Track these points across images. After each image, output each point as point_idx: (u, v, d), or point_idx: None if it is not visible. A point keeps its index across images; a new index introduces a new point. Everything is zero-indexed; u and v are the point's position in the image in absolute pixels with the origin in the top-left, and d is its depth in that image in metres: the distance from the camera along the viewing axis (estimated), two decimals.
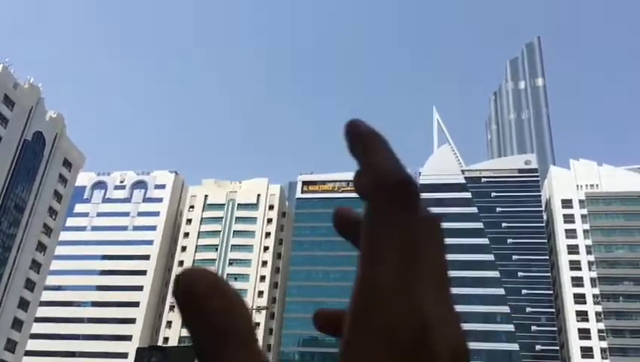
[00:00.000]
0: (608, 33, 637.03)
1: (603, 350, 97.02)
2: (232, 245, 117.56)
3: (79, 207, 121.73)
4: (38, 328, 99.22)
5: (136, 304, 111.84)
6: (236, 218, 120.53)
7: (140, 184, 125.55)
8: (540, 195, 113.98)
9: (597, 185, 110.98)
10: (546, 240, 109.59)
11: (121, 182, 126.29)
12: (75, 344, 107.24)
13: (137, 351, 4.33)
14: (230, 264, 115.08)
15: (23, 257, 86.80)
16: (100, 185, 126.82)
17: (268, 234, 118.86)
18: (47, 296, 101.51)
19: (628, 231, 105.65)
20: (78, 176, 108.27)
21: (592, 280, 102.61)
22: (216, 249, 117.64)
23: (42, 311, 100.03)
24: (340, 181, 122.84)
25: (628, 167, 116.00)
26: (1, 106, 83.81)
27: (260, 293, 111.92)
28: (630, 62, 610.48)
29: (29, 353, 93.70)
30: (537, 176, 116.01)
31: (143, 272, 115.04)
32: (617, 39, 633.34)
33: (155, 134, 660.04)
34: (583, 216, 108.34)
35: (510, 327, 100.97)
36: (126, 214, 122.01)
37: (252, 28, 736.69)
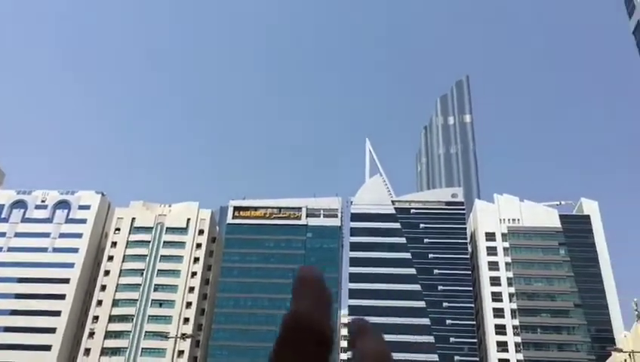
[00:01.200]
0: (534, 74, 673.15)
1: None
2: (158, 270, 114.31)
3: None
4: None
5: (52, 330, 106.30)
6: (164, 242, 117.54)
7: (62, 204, 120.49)
8: (466, 228, 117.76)
9: (518, 220, 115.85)
10: (470, 272, 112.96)
11: (43, 201, 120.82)
12: None
13: None
14: (156, 289, 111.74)
15: None
16: (19, 203, 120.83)
17: (196, 260, 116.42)
18: None
19: (546, 264, 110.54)
20: None
21: (513, 311, 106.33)
22: (142, 273, 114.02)
23: None
24: (272, 208, 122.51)
25: (547, 203, 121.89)
26: None
27: (186, 320, 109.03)
28: (553, 102, 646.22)
29: None
30: (463, 209, 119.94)
31: (62, 296, 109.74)
32: (542, 80, 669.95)
33: (82, 153, 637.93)
34: (505, 249, 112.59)
35: (435, 357, 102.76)
36: (46, 235, 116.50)
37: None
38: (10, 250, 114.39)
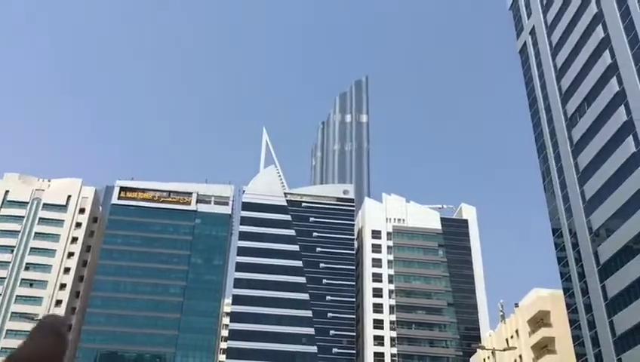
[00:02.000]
0: (429, 78, 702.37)
1: None
2: (31, 248, 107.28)
3: None
4: None
5: None
6: (40, 218, 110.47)
7: None
8: (354, 224, 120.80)
9: (404, 220, 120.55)
10: (354, 267, 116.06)
11: None
12: None
13: None
14: (27, 268, 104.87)
15: None
16: None
17: (75, 239, 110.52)
18: None
19: (425, 264, 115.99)
20: None
21: (391, 307, 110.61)
22: (12, 251, 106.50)
23: None
24: (161, 191, 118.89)
25: (431, 205, 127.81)
26: None
27: (59, 302, 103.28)
28: (445, 108, 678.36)
29: None
30: (353, 206, 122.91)
31: None
32: (436, 86, 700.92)
33: None
34: (389, 247, 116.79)
35: (314, 349, 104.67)
36: None
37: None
38: None
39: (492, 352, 52.29)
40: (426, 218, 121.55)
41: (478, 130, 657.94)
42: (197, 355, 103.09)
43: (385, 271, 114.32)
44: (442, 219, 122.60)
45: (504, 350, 53.54)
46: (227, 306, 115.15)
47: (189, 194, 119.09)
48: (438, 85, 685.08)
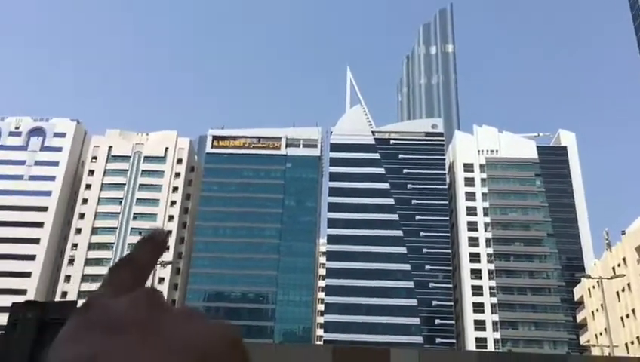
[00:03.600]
0: (518, 4, 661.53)
1: (493, 305, 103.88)
2: (137, 198, 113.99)
3: None
4: None
5: (32, 257, 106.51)
6: (142, 171, 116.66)
7: (37, 131, 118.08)
8: (444, 158, 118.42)
9: (497, 151, 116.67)
10: (447, 202, 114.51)
11: (17, 128, 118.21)
12: None
13: (12, 306, 3.95)
14: (135, 218, 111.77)
15: None
16: None
17: (175, 189, 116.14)
18: None
19: (522, 195, 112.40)
20: None
21: (487, 240, 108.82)
22: (120, 202, 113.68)
23: None
24: (251, 137, 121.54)
25: (526, 134, 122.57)
26: None
27: (166, 248, 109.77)
28: (537, 34, 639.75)
29: None
30: (443, 140, 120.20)
31: (40, 224, 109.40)
32: (526, 11, 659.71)
33: (56, 78, 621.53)
34: (482, 180, 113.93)
35: (410, 284, 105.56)
36: (22, 163, 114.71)
37: None
38: None
39: (598, 281, 50.37)
40: (521, 147, 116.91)
41: (573, 49, 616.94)
42: (297, 293, 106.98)
43: (479, 204, 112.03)
44: (538, 148, 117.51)
45: (611, 278, 51.41)
46: (322, 246, 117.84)
47: (278, 138, 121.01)
48: (526, 5, 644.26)
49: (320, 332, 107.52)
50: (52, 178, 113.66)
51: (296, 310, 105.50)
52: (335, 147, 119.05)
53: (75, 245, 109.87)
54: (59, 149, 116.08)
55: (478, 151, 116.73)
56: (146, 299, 0.32)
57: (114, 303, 0.32)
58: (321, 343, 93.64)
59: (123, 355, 0.27)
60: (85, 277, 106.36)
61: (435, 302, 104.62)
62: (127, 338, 0.28)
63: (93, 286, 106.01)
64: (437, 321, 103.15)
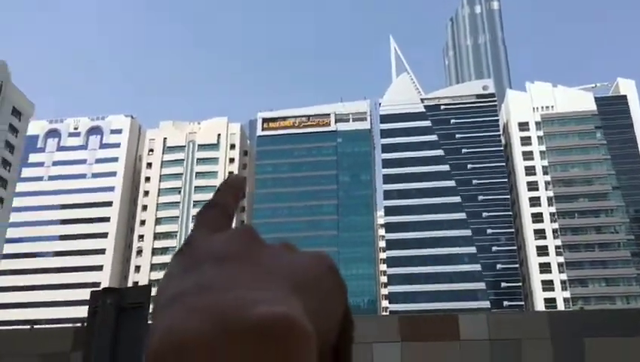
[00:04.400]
0: None
1: (560, 264, 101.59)
2: (195, 186, 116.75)
3: (34, 157, 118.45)
4: (4, 281, 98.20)
5: (102, 251, 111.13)
6: (197, 159, 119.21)
7: (95, 130, 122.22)
8: (498, 120, 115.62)
9: (552, 107, 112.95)
10: (504, 164, 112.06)
11: (75, 128, 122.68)
12: (41, 294, 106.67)
13: (91, 294, 4.17)
14: (194, 206, 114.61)
15: None
16: (53, 133, 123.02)
17: (231, 174, 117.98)
18: (9, 248, 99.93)
19: (582, 149, 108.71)
20: (30, 125, 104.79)
21: (549, 199, 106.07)
22: (180, 191, 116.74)
23: (6, 264, 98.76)
24: (300, 116, 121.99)
25: (582, 86, 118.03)
26: None
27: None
28: None
29: None
30: (495, 101, 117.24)
31: (107, 219, 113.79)
32: None
33: (107, 77, 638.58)
34: (539, 138, 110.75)
35: (472, 249, 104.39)
36: (83, 161, 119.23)
37: None
38: (51, 178, 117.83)
39: None
40: (578, 101, 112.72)
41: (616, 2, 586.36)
42: (359, 267, 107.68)
43: (538, 163, 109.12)
44: (596, 99, 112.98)
45: None
46: (380, 218, 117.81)
47: (327, 115, 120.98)
48: None
49: (385, 303, 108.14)
50: (113, 174, 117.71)
51: (359, 283, 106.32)
52: (385, 118, 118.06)
53: (141, 236, 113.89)
54: (117, 145, 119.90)
55: (533, 108, 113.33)
56: (243, 233, 0.35)
57: (213, 239, 0.34)
58: (387, 314, 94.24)
59: (227, 280, 0.29)
60: (154, 266, 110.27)
61: (499, 266, 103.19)
62: (229, 266, 0.31)
63: (162, 275, 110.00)
64: (503, 284, 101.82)
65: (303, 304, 0.28)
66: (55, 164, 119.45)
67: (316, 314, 0.28)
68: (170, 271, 0.32)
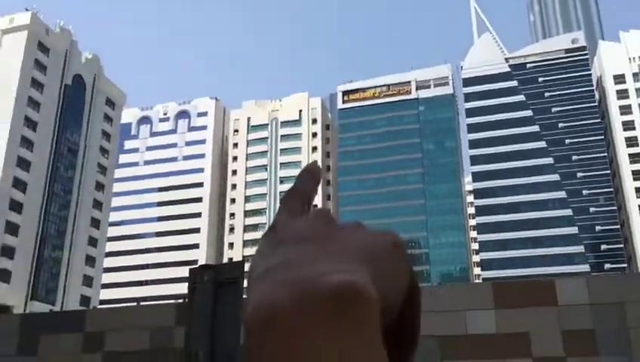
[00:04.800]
0: None
1: None
2: (280, 163, 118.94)
3: (128, 144, 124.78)
4: (109, 262, 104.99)
5: (197, 230, 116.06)
6: (281, 136, 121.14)
7: (182, 114, 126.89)
8: (591, 74, 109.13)
9: None
10: (599, 120, 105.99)
11: (165, 114, 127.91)
12: (144, 273, 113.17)
13: (190, 271, 4.45)
14: (281, 182, 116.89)
15: (84, 197, 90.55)
16: (144, 120, 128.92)
17: (314, 149, 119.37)
18: (112, 231, 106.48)
19: None
20: (123, 114, 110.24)
21: None
22: (266, 169, 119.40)
23: (110, 246, 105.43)
24: (380, 86, 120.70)
25: None
26: (37, 54, 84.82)
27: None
28: None
29: (104, 286, 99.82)
30: (586, 55, 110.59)
31: (199, 199, 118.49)
32: None
33: (190, 61, 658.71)
34: (637, 90, 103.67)
35: (567, 212, 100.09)
36: (174, 145, 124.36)
37: None
38: (146, 163, 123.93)
39: None
40: None
41: None
42: (448, 235, 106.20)
43: (637, 116, 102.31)
44: None
45: None
46: (468, 184, 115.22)
47: (408, 83, 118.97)
48: None
49: (477, 271, 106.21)
50: (202, 155, 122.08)
51: (449, 251, 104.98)
52: (468, 81, 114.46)
53: (232, 214, 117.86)
54: (204, 128, 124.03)
55: (629, 59, 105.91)
56: (321, 216, 0.38)
57: (295, 222, 0.39)
58: (480, 281, 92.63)
59: (305, 257, 0.33)
60: (246, 243, 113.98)
61: (598, 228, 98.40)
62: (307, 245, 0.35)
63: (253, 251, 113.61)
64: (603, 247, 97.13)
65: (369, 274, 0.32)
66: (149, 149, 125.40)
67: (382, 283, 0.33)
68: (259, 250, 0.37)
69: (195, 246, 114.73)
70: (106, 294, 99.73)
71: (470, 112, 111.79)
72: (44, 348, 20.01)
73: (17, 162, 78.28)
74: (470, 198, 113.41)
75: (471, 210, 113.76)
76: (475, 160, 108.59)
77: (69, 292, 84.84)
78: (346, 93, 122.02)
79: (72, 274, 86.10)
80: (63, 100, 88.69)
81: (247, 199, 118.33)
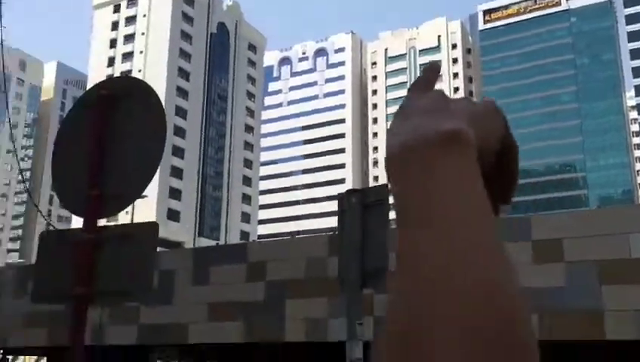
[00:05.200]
0: None
1: None
2: None
3: (272, 86, 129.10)
4: (263, 199, 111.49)
5: (342, 166, 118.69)
6: (420, 65, 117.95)
7: (320, 52, 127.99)
8: None
9: None
10: None
11: (303, 53, 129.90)
12: (296, 209, 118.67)
13: (339, 197, 4.81)
14: None
15: (236, 139, 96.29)
16: (285, 61, 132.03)
17: (456, 75, 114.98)
18: (263, 171, 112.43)
19: None
20: (265, 57, 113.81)
21: None
22: None
23: (263, 185, 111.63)
24: (524, 0, 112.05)
25: None
26: (183, 7, 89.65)
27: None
28: None
29: (261, 222, 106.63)
30: None
31: (342, 135, 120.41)
32: None
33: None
34: None
35: None
36: (314, 84, 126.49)
37: None
38: (289, 103, 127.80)
39: None
40: None
41: None
42: (608, 156, 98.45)
43: None
44: None
45: None
46: (630, 99, 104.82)
47: None
48: None
49: None
50: (342, 92, 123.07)
51: (610, 173, 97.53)
52: None
53: (375, 148, 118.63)
54: (342, 64, 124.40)
55: None
56: (439, 95, 0.48)
57: (422, 99, 0.50)
58: None
59: (430, 121, 0.46)
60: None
61: None
62: (432, 114, 0.47)
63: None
64: None
65: (471, 125, 0.45)
66: (291, 89, 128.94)
67: (481, 131, 0.46)
68: (390, 128, 0.48)
69: (341, 181, 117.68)
70: (262, 230, 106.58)
71: (631, 19, 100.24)
72: (214, 277, 22.07)
73: (175, 111, 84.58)
74: (633, 114, 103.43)
75: (634, 128, 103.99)
76: (637, 72, 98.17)
77: (230, 228, 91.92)
78: (487, 12, 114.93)
79: (232, 211, 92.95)
80: (210, 49, 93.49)
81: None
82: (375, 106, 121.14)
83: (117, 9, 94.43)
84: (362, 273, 5.24)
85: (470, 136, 0.44)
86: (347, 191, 5.85)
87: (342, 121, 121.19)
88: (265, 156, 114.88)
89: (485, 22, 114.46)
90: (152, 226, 3.30)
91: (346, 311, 5.35)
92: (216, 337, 20.10)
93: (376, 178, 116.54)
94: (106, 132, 3.31)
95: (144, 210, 58.91)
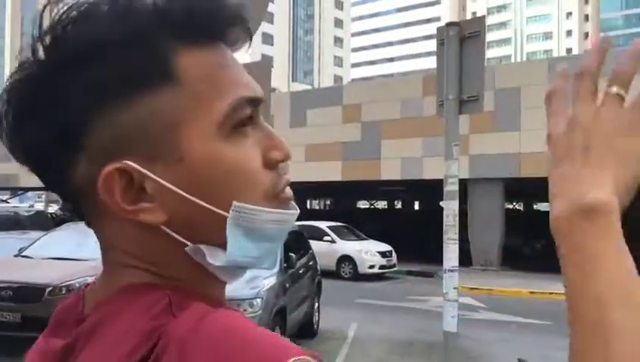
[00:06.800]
0: None
1: None
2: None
3: None
4: (356, 42, 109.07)
5: (437, 2, 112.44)
6: None
7: None
8: None
9: None
10: None
11: None
12: (390, 50, 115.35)
13: (437, 30, 5.02)
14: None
15: None
16: None
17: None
18: (355, 11, 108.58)
19: None
20: None
21: None
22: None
23: (355, 26, 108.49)
24: None
25: None
26: None
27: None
28: None
29: (354, 65, 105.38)
30: None
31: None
32: None
33: None
34: None
35: None
36: None
37: None
38: None
39: None
40: None
41: None
42: None
43: None
44: None
45: None
46: None
47: None
48: None
49: None
50: None
51: None
52: None
53: None
54: None
55: None
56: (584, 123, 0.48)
57: (560, 137, 0.49)
58: None
59: (575, 176, 0.48)
60: (490, 10, 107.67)
61: None
62: (575, 163, 0.48)
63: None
64: None
65: (615, 182, 0.46)
66: None
67: (623, 189, 0.47)
68: (548, 160, 0.50)
69: (437, 19, 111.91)
70: (356, 73, 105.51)
71: None
72: (311, 120, 22.67)
73: None
74: None
75: None
76: None
77: (323, 72, 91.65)
78: None
79: (324, 55, 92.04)
80: None
81: None
82: None
83: None
84: (459, 100, 5.69)
85: (613, 204, 0.46)
86: (446, 23, 6.03)
87: None
88: None
89: None
90: (266, 61, 3.46)
91: (445, 131, 5.76)
92: (315, 176, 21.15)
93: (474, 13, 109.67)
94: None
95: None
